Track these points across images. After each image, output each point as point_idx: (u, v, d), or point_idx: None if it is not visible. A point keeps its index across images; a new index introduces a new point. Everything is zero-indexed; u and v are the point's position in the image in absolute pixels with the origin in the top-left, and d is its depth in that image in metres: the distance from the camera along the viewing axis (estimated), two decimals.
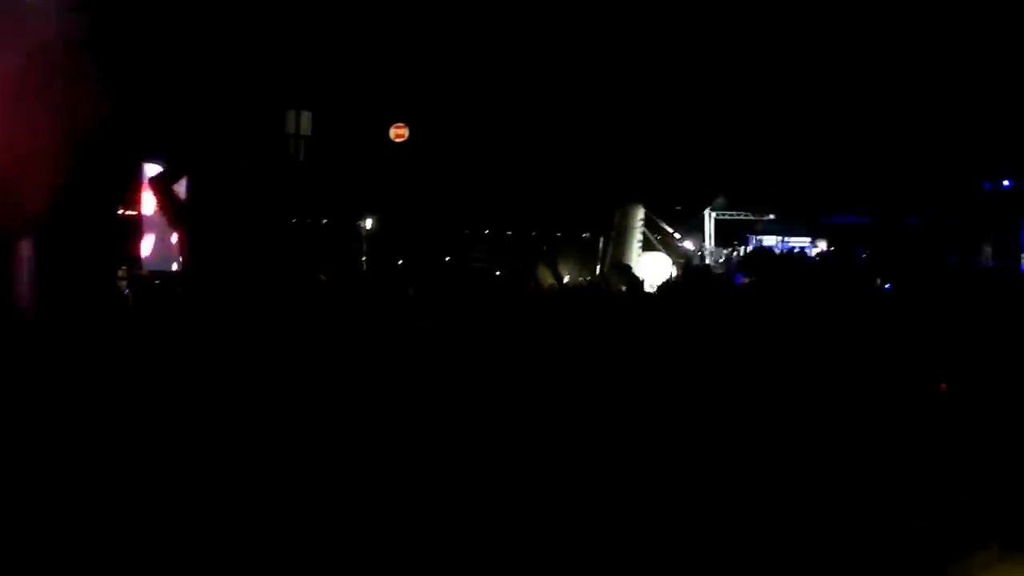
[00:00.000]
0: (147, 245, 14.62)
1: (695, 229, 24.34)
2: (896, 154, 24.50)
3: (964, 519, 3.91)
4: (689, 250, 22.48)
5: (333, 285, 10.08)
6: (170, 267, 12.46)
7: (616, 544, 3.78)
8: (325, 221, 26.05)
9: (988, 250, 23.09)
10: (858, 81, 24.10)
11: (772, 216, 26.58)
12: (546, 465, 4.56)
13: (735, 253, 24.58)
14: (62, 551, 3.66)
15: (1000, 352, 6.21)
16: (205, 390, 5.40)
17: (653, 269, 20.24)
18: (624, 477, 4.47)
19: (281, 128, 18.39)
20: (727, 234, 27.22)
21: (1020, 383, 5.44)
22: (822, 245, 26.42)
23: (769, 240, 26.33)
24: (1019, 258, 23.45)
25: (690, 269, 17.13)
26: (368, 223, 26.68)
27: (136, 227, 13.86)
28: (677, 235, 22.28)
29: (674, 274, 20.39)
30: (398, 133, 26.26)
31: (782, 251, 23.75)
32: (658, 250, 21.39)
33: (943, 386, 5.89)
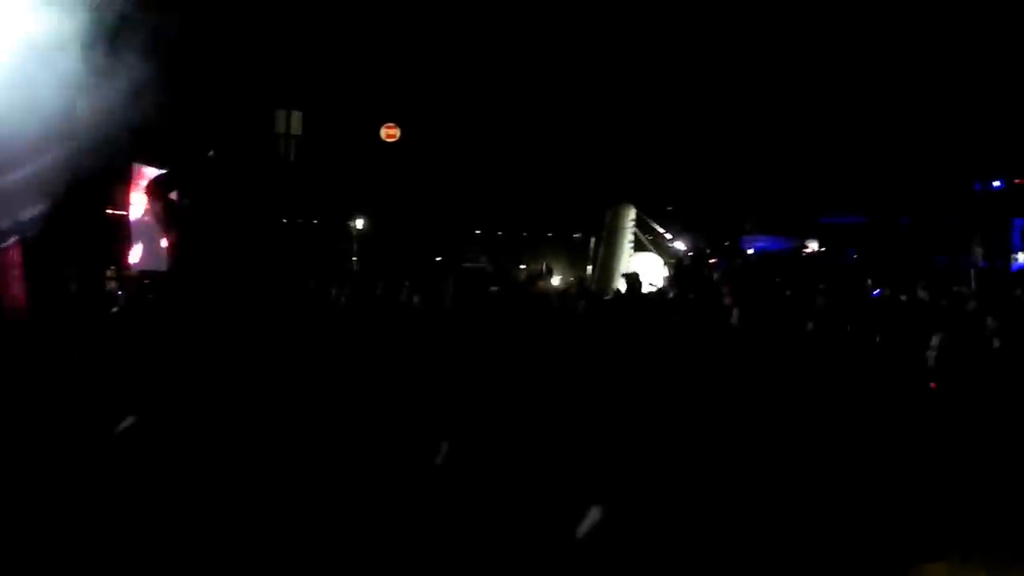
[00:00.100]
0: (137, 247, 14.58)
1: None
2: (887, 154, 24.56)
3: (945, 518, 3.92)
4: (680, 251, 22.46)
5: (322, 290, 10.07)
6: (161, 267, 12.48)
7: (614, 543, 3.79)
8: (316, 221, 26.00)
9: (979, 251, 23.16)
10: (848, 82, 24.17)
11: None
12: (546, 464, 4.56)
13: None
14: (55, 548, 3.65)
15: (988, 351, 6.23)
16: (186, 390, 5.39)
17: (644, 270, 20.25)
18: (620, 476, 4.47)
19: (271, 128, 18.36)
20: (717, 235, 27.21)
21: (1008, 382, 5.46)
22: (813, 245, 26.44)
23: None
24: (1009, 258, 23.54)
25: (681, 270, 17.14)
26: (359, 223, 26.65)
27: (125, 228, 13.79)
28: (668, 235, 22.26)
29: (665, 275, 20.41)
30: (389, 133, 26.24)
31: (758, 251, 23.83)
32: (649, 251, 21.37)
33: (932, 384, 5.91)
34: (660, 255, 21.48)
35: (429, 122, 26.07)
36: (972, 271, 14.92)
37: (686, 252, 22.43)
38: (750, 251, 24.52)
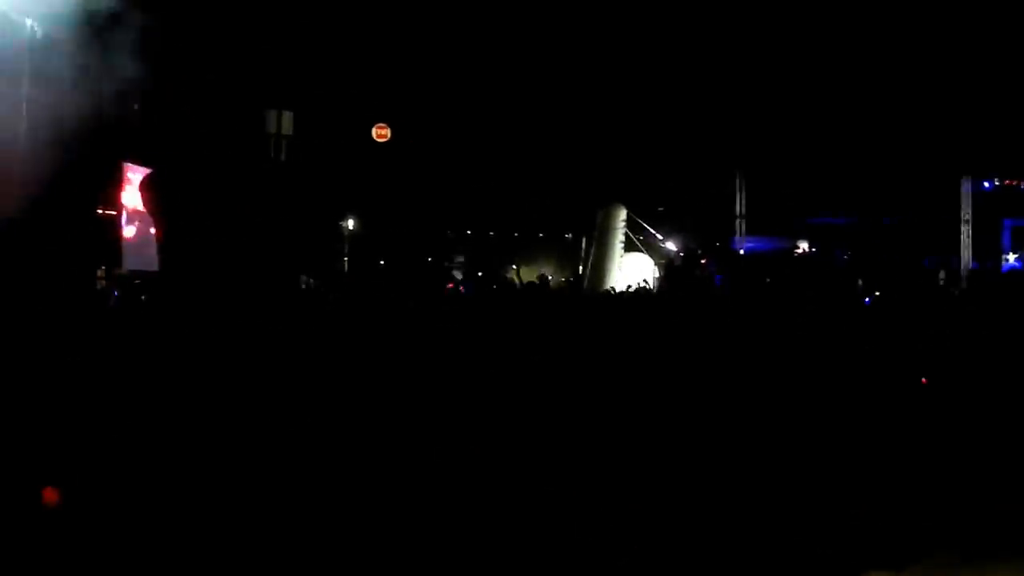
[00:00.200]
0: (128, 246, 14.54)
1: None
2: (877, 155, 24.61)
3: (937, 515, 3.93)
4: (671, 251, 22.50)
5: (317, 289, 10.06)
6: (152, 267, 12.43)
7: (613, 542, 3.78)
8: (307, 221, 25.90)
9: (968, 251, 23.24)
10: (839, 82, 24.22)
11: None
12: (544, 464, 4.56)
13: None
14: (51, 546, 3.64)
15: (979, 347, 6.27)
16: (180, 391, 5.38)
17: (635, 270, 20.29)
18: (617, 474, 4.48)
19: (262, 128, 18.32)
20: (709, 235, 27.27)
21: (998, 377, 5.49)
22: (804, 246, 26.50)
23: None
24: (999, 259, 23.64)
25: (672, 270, 17.19)
26: (350, 223, 26.63)
27: (116, 227, 13.74)
28: (659, 236, 22.29)
29: (656, 275, 20.44)
30: (380, 133, 26.20)
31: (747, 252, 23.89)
32: (640, 251, 21.42)
33: (923, 380, 5.94)
34: (651, 255, 21.52)
35: (420, 122, 26.04)
36: (963, 272, 14.99)
37: (677, 253, 22.47)
38: (741, 251, 24.60)
